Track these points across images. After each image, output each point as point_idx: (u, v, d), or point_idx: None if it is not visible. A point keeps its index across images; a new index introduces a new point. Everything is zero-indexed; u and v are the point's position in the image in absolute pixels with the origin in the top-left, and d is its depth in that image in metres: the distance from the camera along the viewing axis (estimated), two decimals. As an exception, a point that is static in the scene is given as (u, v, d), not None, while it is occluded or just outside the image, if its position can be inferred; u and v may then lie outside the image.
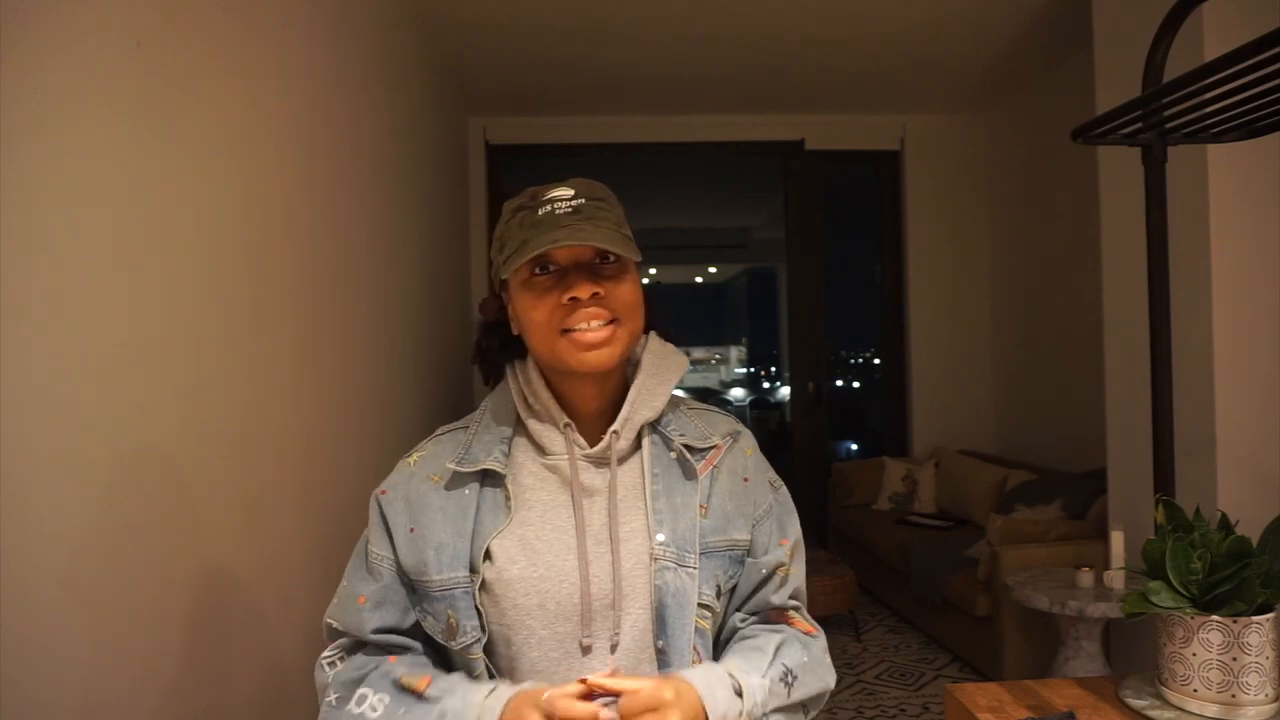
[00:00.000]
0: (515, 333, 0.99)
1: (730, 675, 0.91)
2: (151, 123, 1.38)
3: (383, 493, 0.99)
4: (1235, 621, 1.19)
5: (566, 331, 0.92)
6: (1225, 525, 1.28)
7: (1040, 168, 4.81)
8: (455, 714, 0.87)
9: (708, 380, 14.17)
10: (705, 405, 1.10)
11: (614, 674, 0.87)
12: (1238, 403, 2.62)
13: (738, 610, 1.04)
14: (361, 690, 0.92)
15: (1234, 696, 1.20)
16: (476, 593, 0.93)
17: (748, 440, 1.08)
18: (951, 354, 5.47)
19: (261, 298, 1.83)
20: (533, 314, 0.93)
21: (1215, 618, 1.20)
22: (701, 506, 0.99)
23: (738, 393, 13.12)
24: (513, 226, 0.94)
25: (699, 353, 14.63)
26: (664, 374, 1.02)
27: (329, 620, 0.99)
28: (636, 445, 1.01)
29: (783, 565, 1.04)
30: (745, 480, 1.04)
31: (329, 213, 2.30)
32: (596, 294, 0.92)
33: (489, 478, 0.97)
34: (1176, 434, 1.53)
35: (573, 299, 0.91)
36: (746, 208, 8.58)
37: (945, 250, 5.48)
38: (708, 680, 0.89)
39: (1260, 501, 2.52)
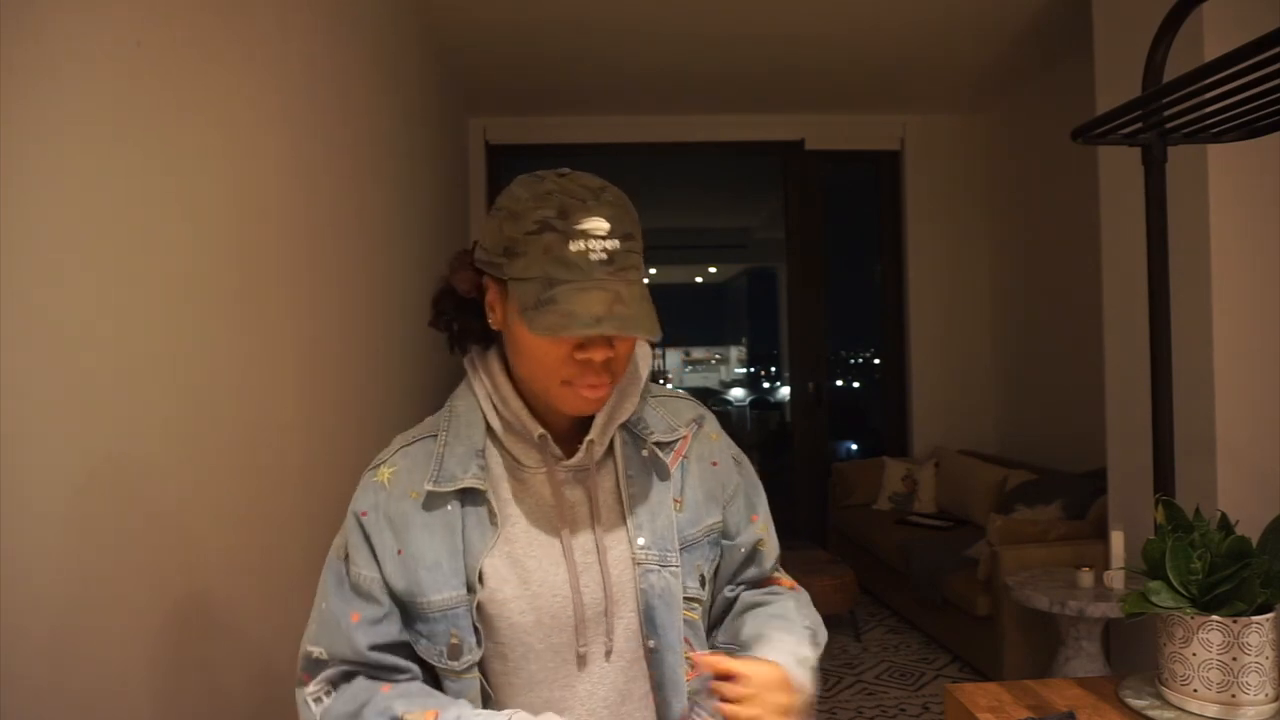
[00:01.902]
0: (494, 328, 0.93)
1: (794, 652, 0.94)
2: (151, 123, 1.38)
3: (364, 514, 0.94)
4: (1235, 621, 1.19)
5: (568, 383, 0.89)
6: (1225, 525, 1.28)
7: (1040, 168, 4.81)
8: None
9: (708, 380, 14.17)
10: (667, 390, 1.08)
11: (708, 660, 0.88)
12: (1238, 403, 2.62)
13: (727, 584, 1.06)
14: None
15: (1234, 696, 1.20)
16: (474, 611, 0.91)
17: (712, 424, 1.07)
18: (951, 354, 5.47)
19: (261, 299, 1.83)
20: (539, 354, 0.88)
21: (1215, 618, 1.20)
22: (676, 500, 0.98)
23: (738, 393, 13.12)
24: (535, 246, 0.84)
25: (699, 353, 14.64)
26: (634, 373, 0.99)
27: (311, 649, 0.92)
28: (608, 446, 0.98)
29: (760, 540, 1.06)
30: (714, 464, 1.04)
31: (328, 213, 2.30)
32: (610, 358, 0.88)
33: (468, 494, 0.93)
34: (1176, 434, 1.53)
35: (587, 360, 0.87)
36: (746, 208, 8.58)
37: (945, 250, 5.48)
38: (789, 660, 0.91)
39: (1260, 501, 2.52)
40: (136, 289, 1.33)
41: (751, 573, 1.07)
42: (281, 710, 1.86)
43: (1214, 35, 2.52)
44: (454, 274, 0.95)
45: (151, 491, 1.37)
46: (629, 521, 0.95)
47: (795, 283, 5.56)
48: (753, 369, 13.83)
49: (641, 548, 0.95)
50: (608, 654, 0.94)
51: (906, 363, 5.55)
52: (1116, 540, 2.80)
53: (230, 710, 1.62)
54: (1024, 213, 5.03)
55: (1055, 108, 4.55)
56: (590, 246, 0.83)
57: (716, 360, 14.68)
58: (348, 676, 0.92)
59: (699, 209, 8.55)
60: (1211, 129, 1.45)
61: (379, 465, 0.97)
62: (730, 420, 10.29)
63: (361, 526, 0.94)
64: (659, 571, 0.95)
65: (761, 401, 11.54)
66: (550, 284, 0.83)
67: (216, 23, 1.64)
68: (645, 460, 0.98)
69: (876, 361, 6.61)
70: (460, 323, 0.97)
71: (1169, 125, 1.46)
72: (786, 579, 1.10)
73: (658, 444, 0.99)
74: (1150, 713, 1.26)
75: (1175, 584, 1.23)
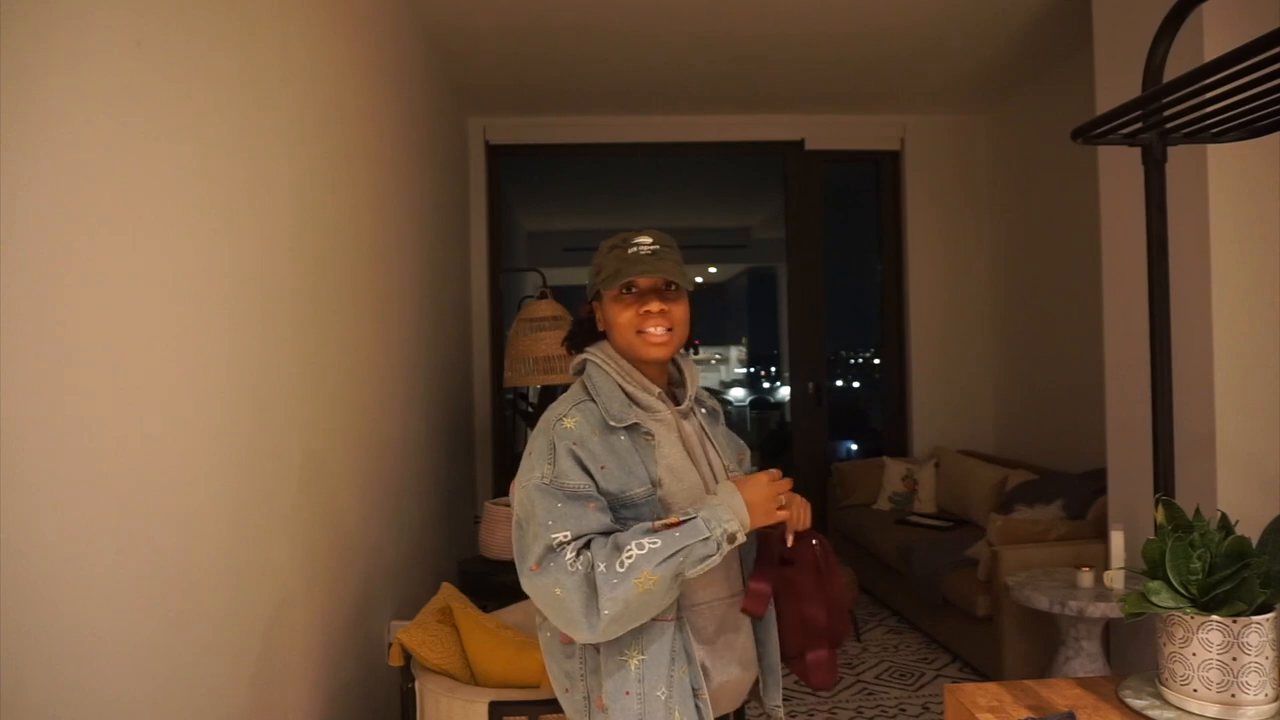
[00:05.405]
0: (601, 329, 1.47)
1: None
2: (153, 124, 1.38)
3: (574, 444, 1.35)
4: (1235, 621, 1.19)
5: (640, 332, 1.41)
6: (1225, 525, 1.28)
7: (1040, 168, 4.81)
8: (711, 504, 1.33)
9: (708, 380, 14.14)
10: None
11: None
12: (1238, 403, 2.62)
13: None
14: (626, 549, 1.27)
15: (1234, 696, 1.20)
16: (659, 499, 1.38)
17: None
18: (951, 354, 5.47)
19: (263, 298, 1.83)
20: (619, 318, 1.43)
21: (1215, 618, 1.20)
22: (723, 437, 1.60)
23: (738, 393, 13.11)
24: (610, 259, 1.43)
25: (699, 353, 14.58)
26: (695, 372, 1.58)
27: (554, 536, 1.29)
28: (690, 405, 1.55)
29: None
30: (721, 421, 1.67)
31: (329, 212, 2.31)
32: (663, 310, 1.42)
33: (632, 429, 1.40)
34: (1176, 434, 1.54)
35: (647, 311, 1.41)
36: (746, 208, 8.57)
37: (945, 250, 5.48)
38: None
39: (1260, 501, 2.52)
40: (138, 289, 1.34)
41: None
42: (286, 711, 1.86)
43: (1214, 35, 2.52)
44: (583, 311, 1.52)
45: (151, 491, 1.37)
46: (718, 444, 1.54)
47: (795, 283, 5.56)
48: (753, 369, 13.82)
49: (725, 458, 1.53)
50: None
51: (906, 363, 5.55)
52: (1116, 540, 2.80)
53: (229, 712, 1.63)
54: (1024, 213, 5.03)
55: (1055, 108, 4.54)
56: (640, 248, 1.42)
57: (717, 360, 14.67)
58: (587, 543, 1.30)
59: (699, 209, 8.55)
60: (1211, 129, 1.46)
61: (562, 418, 1.39)
62: (731, 420, 10.28)
63: (575, 454, 1.35)
64: (734, 471, 1.53)
65: (761, 401, 11.53)
66: (618, 271, 1.40)
67: (218, 24, 1.64)
68: (705, 413, 1.58)
69: (876, 361, 6.61)
70: (581, 335, 1.53)
71: (1169, 125, 1.46)
72: None
73: (710, 407, 1.61)
74: (1150, 713, 1.26)
75: (1175, 584, 1.23)
